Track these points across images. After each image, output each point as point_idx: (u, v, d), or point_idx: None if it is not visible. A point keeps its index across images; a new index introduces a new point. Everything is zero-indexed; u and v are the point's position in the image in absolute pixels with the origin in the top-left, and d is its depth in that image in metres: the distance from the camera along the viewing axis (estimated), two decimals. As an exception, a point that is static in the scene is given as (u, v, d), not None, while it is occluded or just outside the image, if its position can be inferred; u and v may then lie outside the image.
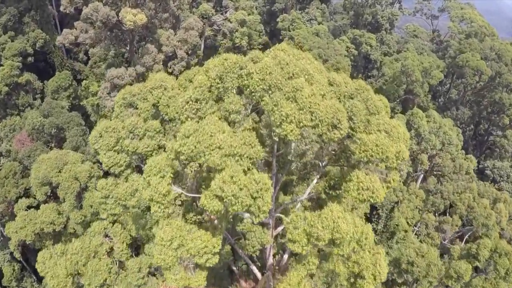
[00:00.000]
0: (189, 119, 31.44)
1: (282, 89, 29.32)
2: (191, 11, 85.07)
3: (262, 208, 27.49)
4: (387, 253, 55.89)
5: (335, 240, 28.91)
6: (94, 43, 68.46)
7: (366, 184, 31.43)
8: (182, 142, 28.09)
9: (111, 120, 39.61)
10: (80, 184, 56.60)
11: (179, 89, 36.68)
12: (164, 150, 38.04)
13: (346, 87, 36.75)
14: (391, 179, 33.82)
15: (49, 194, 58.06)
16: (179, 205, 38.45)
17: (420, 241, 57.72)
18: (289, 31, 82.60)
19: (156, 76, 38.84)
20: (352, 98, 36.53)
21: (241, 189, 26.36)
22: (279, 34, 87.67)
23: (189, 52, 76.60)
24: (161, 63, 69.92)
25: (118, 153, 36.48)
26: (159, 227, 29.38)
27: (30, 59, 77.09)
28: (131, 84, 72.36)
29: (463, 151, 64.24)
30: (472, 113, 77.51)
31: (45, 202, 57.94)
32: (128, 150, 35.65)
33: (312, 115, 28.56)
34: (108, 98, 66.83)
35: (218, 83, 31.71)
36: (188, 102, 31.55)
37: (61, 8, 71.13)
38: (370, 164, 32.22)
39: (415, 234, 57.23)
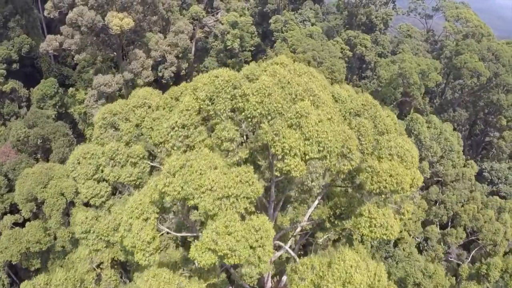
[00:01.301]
0: (175, 148, 25.74)
1: (283, 115, 23.67)
2: (181, 13, 78.68)
3: (263, 259, 21.99)
4: (387, 259, 50.80)
5: (347, 290, 23.55)
6: (80, 49, 62.11)
7: (380, 221, 26.05)
8: (167, 181, 22.36)
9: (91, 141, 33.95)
10: (67, 200, 51.04)
11: (164, 109, 30.87)
12: (150, 174, 32.58)
13: (351, 102, 31.29)
14: (405, 210, 28.42)
15: (34, 210, 52.54)
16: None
17: (421, 251, 52.79)
18: (282, 32, 76.57)
19: (139, 93, 33.00)
20: (359, 116, 31.11)
21: (238, 241, 20.80)
22: (272, 35, 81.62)
23: (180, 56, 70.48)
24: (150, 69, 63.82)
25: (98, 183, 30.74)
26: (144, 279, 23.72)
27: (15, 65, 70.43)
28: (120, 90, 66.42)
29: (463, 157, 59.10)
30: (469, 114, 72.35)
31: (33, 218, 52.43)
32: (109, 179, 29.92)
33: (319, 146, 22.96)
34: (95, 106, 60.73)
35: (208, 105, 25.98)
36: (174, 128, 25.80)
37: (45, 13, 64.70)
38: (383, 195, 26.80)
39: (418, 246, 52.09)
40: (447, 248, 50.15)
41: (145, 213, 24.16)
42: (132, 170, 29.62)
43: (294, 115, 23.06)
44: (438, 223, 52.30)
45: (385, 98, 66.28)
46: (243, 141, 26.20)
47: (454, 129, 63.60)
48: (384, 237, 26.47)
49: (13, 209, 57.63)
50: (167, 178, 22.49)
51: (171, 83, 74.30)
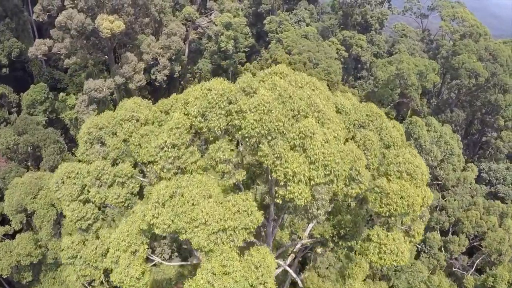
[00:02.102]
0: (165, 170, 22.59)
1: (285, 134, 20.59)
2: (174, 14, 75.12)
3: (264, 297, 19.01)
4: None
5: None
6: (70, 53, 58.58)
7: (390, 247, 23.09)
8: (156, 212, 19.29)
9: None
10: (57, 211, 47.94)
11: (153, 123, 27.72)
12: (140, 197, 29.47)
13: (356, 113, 28.28)
14: (416, 232, 25.52)
15: (24, 222, 49.49)
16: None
17: (418, 254, 49.91)
18: (277, 33, 73.20)
19: (126, 105, 29.75)
20: (363, 127, 28.12)
21: (236, 281, 17.79)
22: (266, 36, 78.26)
23: (173, 58, 67.05)
24: (142, 72, 60.41)
25: (84, 204, 27.60)
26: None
27: (5, 70, 66.84)
28: (111, 95, 62.97)
29: (464, 159, 56.19)
30: (466, 114, 69.54)
31: (26, 226, 49.47)
32: (95, 201, 26.79)
33: (326, 169, 19.94)
34: (86, 112, 57.38)
35: (200, 122, 22.80)
36: (163, 148, 22.63)
37: (34, 16, 61.23)
38: (392, 218, 23.88)
39: (417, 250, 49.25)
40: (449, 256, 47.47)
41: (133, 245, 21.12)
42: (120, 191, 26.50)
43: (298, 135, 20.02)
44: (439, 229, 49.56)
45: (382, 100, 63.33)
46: (239, 161, 23.11)
47: (453, 131, 60.80)
48: (394, 263, 23.60)
49: (4, 218, 54.50)
50: (155, 208, 19.43)
51: (164, 86, 70.97)
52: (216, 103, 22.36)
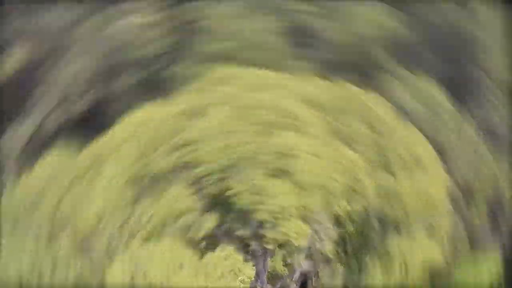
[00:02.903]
0: (113, 244, 16.69)
1: (259, 159, 15.13)
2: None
3: None
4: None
5: None
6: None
7: (419, 257, 18.22)
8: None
9: None
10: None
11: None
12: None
13: (332, 101, 23.26)
14: (443, 230, 20.97)
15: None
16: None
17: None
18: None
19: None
20: (344, 115, 23.18)
21: None
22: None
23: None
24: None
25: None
26: None
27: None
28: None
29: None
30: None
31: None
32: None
33: (321, 190, 14.72)
34: None
35: (140, 170, 17.13)
36: (102, 216, 16.74)
37: None
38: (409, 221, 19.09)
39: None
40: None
41: None
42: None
43: (276, 156, 14.67)
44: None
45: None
46: (205, 203, 17.48)
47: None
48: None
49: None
50: None
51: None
52: (154, 140, 16.85)
